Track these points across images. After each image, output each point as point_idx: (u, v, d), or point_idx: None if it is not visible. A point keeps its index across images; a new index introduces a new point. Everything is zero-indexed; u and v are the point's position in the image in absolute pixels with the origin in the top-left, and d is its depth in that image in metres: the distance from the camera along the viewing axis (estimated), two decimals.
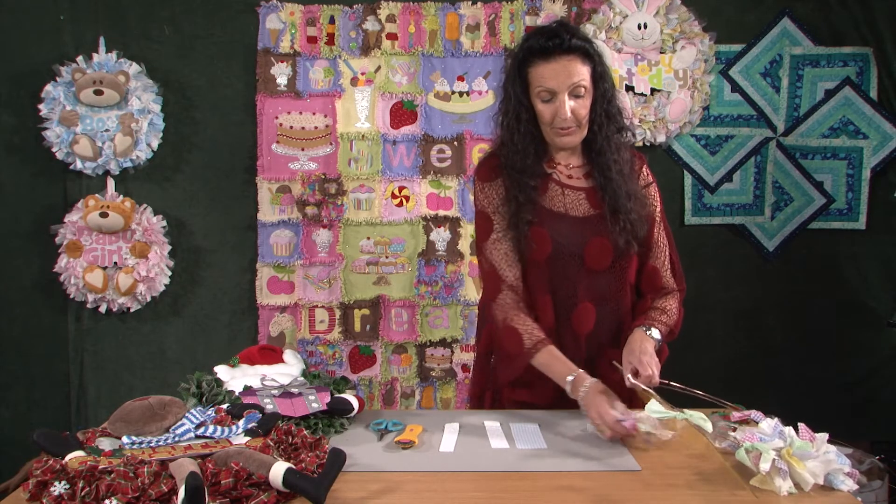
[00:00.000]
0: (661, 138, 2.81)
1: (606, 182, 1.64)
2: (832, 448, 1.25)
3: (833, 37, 2.85)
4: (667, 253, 1.76)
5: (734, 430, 1.32)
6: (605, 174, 1.64)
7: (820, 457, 1.20)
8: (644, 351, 1.57)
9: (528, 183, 1.64)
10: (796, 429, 1.27)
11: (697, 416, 1.30)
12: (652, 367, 1.54)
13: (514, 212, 1.65)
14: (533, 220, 1.64)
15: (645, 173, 1.76)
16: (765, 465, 1.17)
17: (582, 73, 1.57)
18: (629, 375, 1.52)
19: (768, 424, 1.26)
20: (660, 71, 2.79)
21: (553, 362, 1.57)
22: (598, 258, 1.65)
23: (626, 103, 2.76)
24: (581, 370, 1.54)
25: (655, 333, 1.64)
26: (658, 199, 1.76)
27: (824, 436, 1.25)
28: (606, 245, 1.64)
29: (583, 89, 1.58)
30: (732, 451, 1.26)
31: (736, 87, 2.88)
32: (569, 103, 1.57)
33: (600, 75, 1.61)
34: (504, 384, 1.73)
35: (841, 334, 2.91)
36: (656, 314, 1.69)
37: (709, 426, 1.28)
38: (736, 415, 1.47)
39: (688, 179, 2.90)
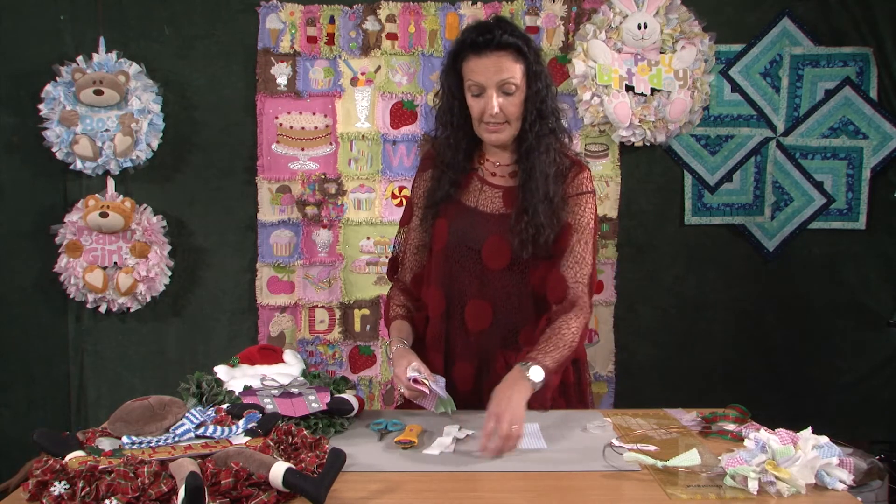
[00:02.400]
0: (661, 138, 2.81)
1: (527, 180, 1.63)
2: (822, 441, 1.24)
3: (833, 37, 2.85)
4: (587, 269, 1.66)
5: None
6: (528, 173, 1.63)
7: (803, 458, 1.20)
8: (508, 406, 1.38)
9: (450, 177, 1.69)
10: (804, 429, 1.27)
11: (683, 459, 1.27)
12: (504, 429, 1.35)
13: (425, 206, 1.73)
14: (439, 213, 1.69)
15: (580, 181, 1.67)
16: (752, 485, 1.18)
17: (512, 70, 1.58)
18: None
19: (753, 440, 1.25)
20: (660, 71, 2.79)
21: (392, 332, 1.71)
22: (494, 256, 1.65)
23: (624, 111, 2.76)
24: (398, 339, 1.66)
25: (535, 374, 1.46)
26: (591, 211, 1.68)
27: (807, 433, 1.25)
28: (504, 244, 1.63)
29: (513, 87, 1.59)
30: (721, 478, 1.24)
31: (736, 87, 2.88)
32: (497, 99, 1.59)
33: (535, 74, 1.61)
34: None
35: (841, 334, 2.91)
36: (547, 344, 1.53)
37: (696, 459, 1.27)
38: (728, 427, 1.48)
39: (688, 179, 2.90)
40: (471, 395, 1.67)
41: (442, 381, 1.57)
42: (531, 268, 1.66)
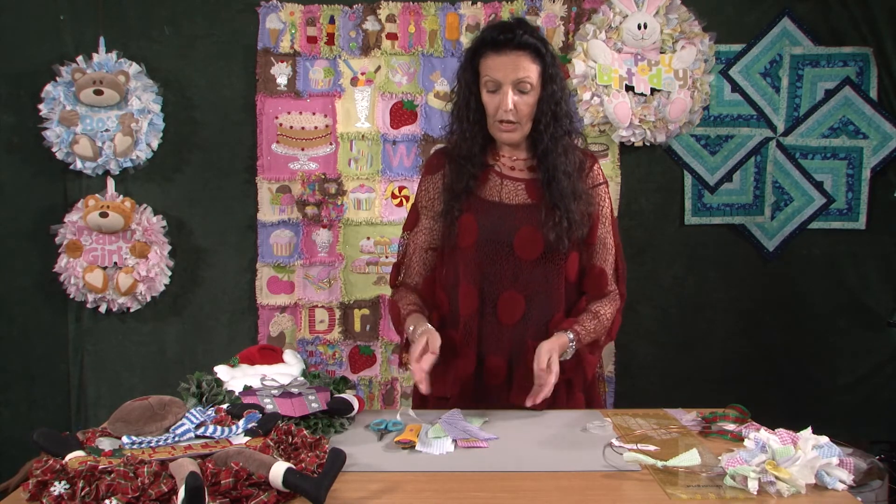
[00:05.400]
0: (661, 138, 2.81)
1: (550, 180, 1.66)
2: (822, 441, 1.24)
3: (833, 37, 2.85)
4: (614, 256, 1.76)
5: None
6: (549, 173, 1.66)
7: (803, 458, 1.20)
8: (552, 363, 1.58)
9: (469, 171, 1.69)
10: (802, 429, 1.26)
11: (683, 459, 1.27)
12: (549, 374, 1.55)
13: (447, 201, 1.71)
14: (463, 209, 1.69)
15: (595, 173, 1.75)
16: (752, 485, 1.18)
17: (529, 69, 1.60)
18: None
19: (753, 440, 1.25)
20: (660, 71, 2.79)
21: (409, 323, 1.68)
22: (527, 247, 1.66)
23: (632, 110, 2.76)
24: (421, 317, 1.67)
25: (570, 350, 1.65)
26: (608, 200, 1.76)
27: (807, 433, 1.25)
28: (537, 235, 1.65)
29: (528, 86, 1.61)
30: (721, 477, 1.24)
31: (736, 87, 2.88)
32: (512, 96, 1.60)
33: (550, 77, 1.64)
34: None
35: (841, 334, 2.91)
36: (586, 318, 1.69)
37: (696, 459, 1.27)
38: (728, 427, 1.48)
39: (688, 179, 2.90)
40: (501, 388, 1.69)
41: (453, 416, 1.55)
42: (564, 256, 1.68)
